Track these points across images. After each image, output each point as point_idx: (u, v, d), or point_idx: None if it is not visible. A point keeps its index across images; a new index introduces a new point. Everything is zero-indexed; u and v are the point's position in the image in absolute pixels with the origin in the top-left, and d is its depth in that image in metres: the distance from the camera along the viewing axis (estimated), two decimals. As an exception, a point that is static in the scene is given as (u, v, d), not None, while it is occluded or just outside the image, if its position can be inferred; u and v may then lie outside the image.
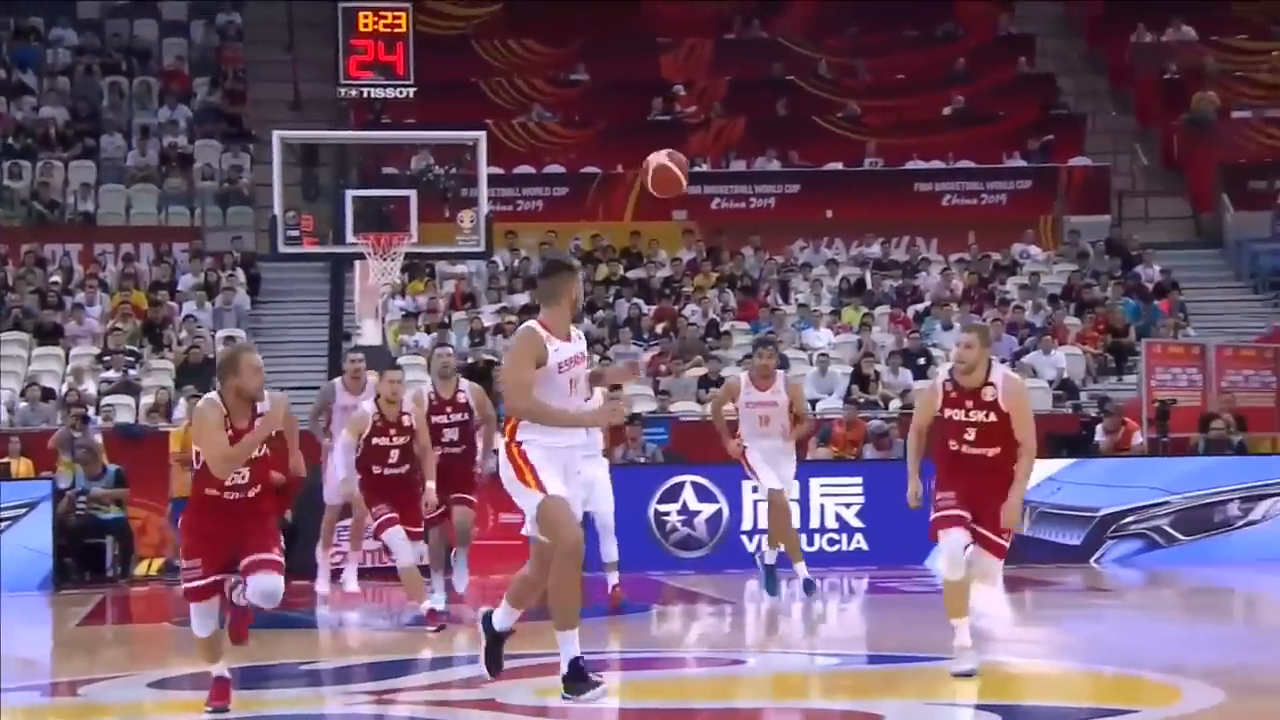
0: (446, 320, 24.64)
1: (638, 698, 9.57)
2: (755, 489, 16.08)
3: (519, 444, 8.30)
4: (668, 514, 18.10)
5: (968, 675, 9.19)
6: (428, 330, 24.02)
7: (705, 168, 29.67)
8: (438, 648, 12.16)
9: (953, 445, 9.32)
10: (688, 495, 18.34)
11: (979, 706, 9.13)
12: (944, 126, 31.46)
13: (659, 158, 8.67)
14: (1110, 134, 31.19)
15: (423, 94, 26.15)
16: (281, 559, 8.54)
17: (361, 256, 19.66)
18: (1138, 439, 20.15)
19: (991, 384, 9.19)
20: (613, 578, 13.87)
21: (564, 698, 8.10)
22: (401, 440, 12.70)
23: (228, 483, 8.35)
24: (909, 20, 33.57)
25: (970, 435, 9.22)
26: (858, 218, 28.90)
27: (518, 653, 11.81)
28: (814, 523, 18.35)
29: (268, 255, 24.54)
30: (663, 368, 23.62)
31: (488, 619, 8.78)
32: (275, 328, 26.26)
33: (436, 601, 12.78)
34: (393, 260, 19.73)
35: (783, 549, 14.23)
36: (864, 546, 18.06)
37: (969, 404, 9.20)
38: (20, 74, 30.99)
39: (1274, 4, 33.19)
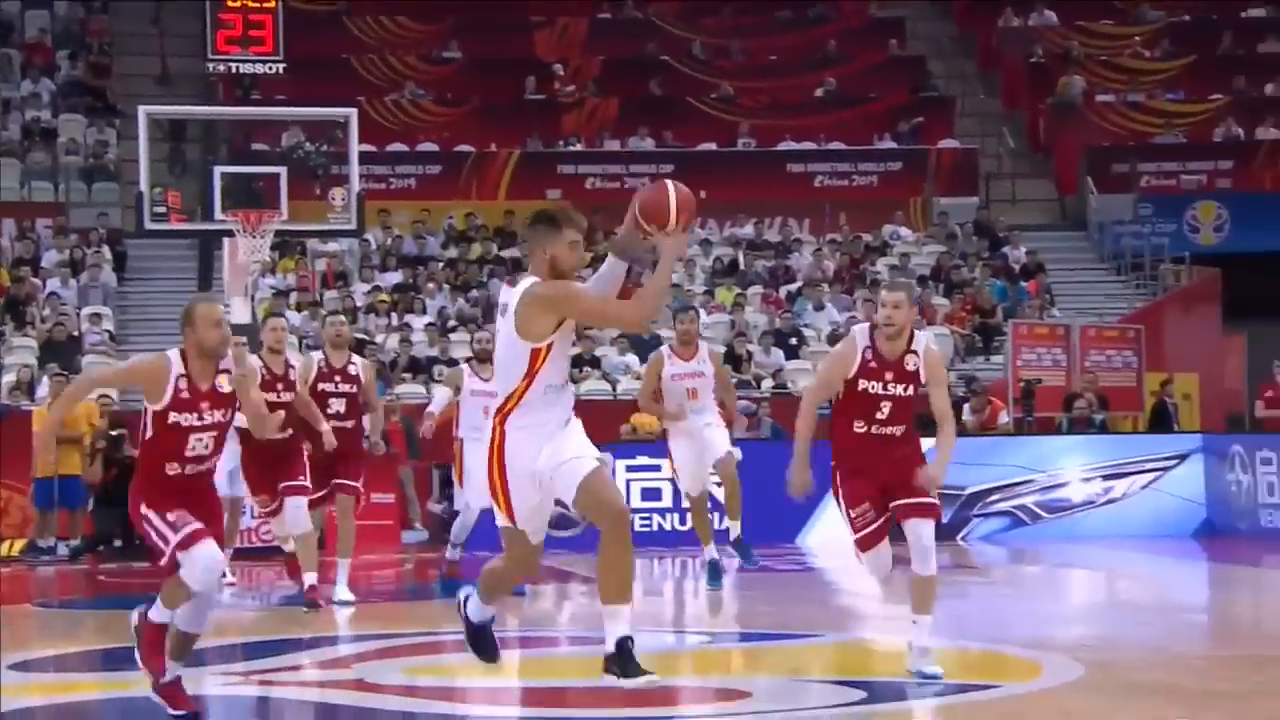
0: (318, 299, 24.49)
1: (509, 677, 9.58)
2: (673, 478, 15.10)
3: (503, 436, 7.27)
4: (541, 494, 18.04)
5: (934, 678, 8.29)
6: (298, 309, 23.81)
7: (579, 147, 29.88)
8: (308, 628, 12.04)
9: (859, 427, 8.42)
10: (562, 474, 18.28)
11: (845, 683, 9.25)
12: (816, 108, 31.65)
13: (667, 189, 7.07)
14: (978, 116, 31.62)
15: (293, 70, 25.87)
16: (222, 531, 7.98)
17: (230, 234, 19.54)
18: (1004, 418, 20.48)
19: (914, 352, 8.44)
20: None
21: (608, 674, 7.07)
22: (288, 396, 12.21)
23: (188, 451, 7.52)
24: (782, 2, 33.80)
25: (883, 412, 8.38)
26: (731, 198, 28.82)
27: (386, 633, 11.85)
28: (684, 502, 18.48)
29: (134, 232, 24.30)
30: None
31: (466, 613, 7.69)
32: (142, 305, 25.96)
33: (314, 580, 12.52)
34: (262, 238, 19.66)
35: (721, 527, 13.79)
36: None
37: (889, 375, 8.36)
38: (-122, 46, 30.34)
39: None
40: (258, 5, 24.12)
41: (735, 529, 13.25)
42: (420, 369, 22.71)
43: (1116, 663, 9.58)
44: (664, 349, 13.92)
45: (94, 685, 9.74)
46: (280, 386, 12.22)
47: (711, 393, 13.14)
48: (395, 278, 25.97)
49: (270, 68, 24.95)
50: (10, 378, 21.83)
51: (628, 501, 18.09)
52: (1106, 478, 19.23)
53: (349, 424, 13.12)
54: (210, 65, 25.33)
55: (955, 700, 8.09)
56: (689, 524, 14.62)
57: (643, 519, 18.14)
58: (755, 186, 29.52)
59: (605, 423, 17.95)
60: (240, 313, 19.49)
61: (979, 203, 29.87)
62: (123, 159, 27.28)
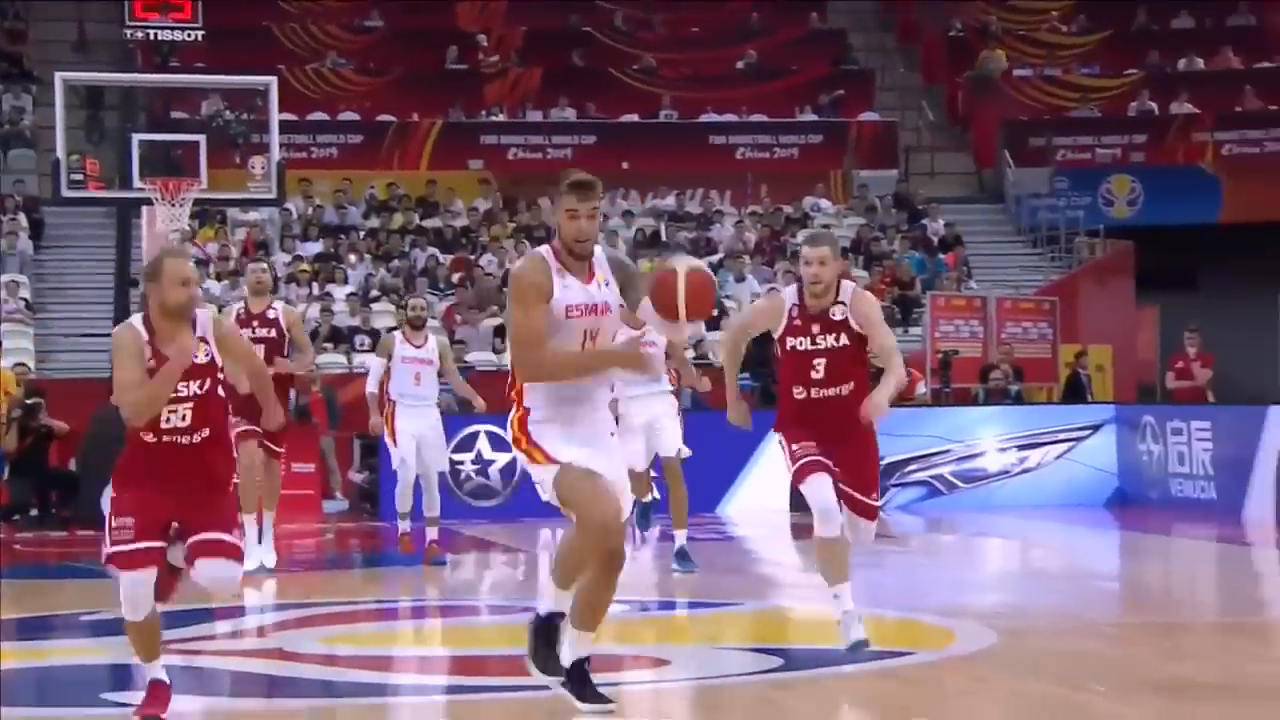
0: (238, 268, 24.22)
1: (429, 645, 9.60)
2: None
3: (528, 432, 6.68)
4: (462, 463, 18.06)
5: (863, 645, 7.98)
6: (218, 278, 23.67)
7: (502, 118, 29.86)
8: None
9: (799, 393, 8.04)
10: (482, 444, 18.34)
11: (762, 650, 9.38)
12: (737, 80, 31.73)
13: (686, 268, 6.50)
14: (898, 90, 31.85)
15: (212, 38, 25.79)
16: (241, 543, 7.20)
17: (149, 202, 19.37)
18: (921, 389, 20.65)
19: (841, 302, 7.97)
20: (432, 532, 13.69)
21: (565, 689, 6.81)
22: (267, 333, 12.49)
23: (164, 424, 6.79)
24: None
25: (819, 370, 7.95)
26: (653, 170, 29.13)
27: (305, 602, 11.82)
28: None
29: (51, 199, 24.00)
30: (458, 317, 23.61)
31: (536, 615, 6.87)
32: (59, 274, 25.71)
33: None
34: (181, 206, 19.41)
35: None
36: (655, 495, 18.38)
37: (815, 329, 7.94)
38: None
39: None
40: None
41: (681, 538, 12.68)
42: (342, 339, 22.69)
43: (1029, 630, 9.77)
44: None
45: (8, 655, 9.44)
46: (257, 324, 12.52)
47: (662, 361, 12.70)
48: (316, 248, 25.86)
49: (189, 35, 24.83)
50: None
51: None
52: (1021, 448, 19.46)
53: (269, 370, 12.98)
54: (128, 32, 25.29)
55: (869, 667, 8.16)
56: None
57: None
58: (677, 158, 29.61)
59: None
60: None
61: (898, 175, 30.04)
62: (39, 126, 26.91)
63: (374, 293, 24.42)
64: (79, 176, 20.59)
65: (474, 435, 18.30)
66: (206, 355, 6.85)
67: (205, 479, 6.89)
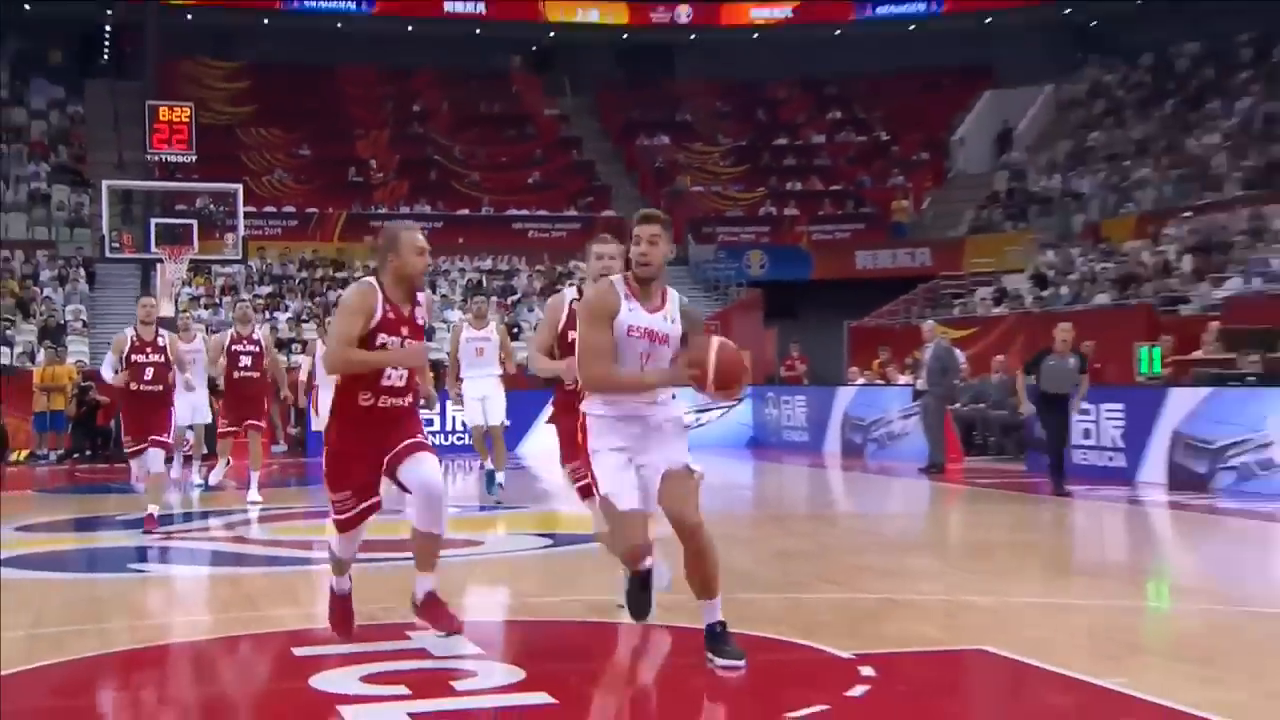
0: (218, 302, 24.00)
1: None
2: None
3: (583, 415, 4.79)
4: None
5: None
6: (205, 307, 23.51)
7: (384, 210, 29.35)
8: (210, 504, 11.42)
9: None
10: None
11: (540, 534, 9.28)
12: (529, 190, 31.70)
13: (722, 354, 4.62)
14: (626, 198, 31.53)
15: (202, 159, 25.65)
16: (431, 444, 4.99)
17: (161, 260, 19.26)
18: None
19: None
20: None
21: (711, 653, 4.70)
22: (156, 359, 9.40)
23: (384, 381, 4.79)
24: (509, 125, 33.92)
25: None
26: (478, 244, 28.86)
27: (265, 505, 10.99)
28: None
29: (100, 259, 23.66)
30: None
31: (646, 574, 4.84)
32: (105, 305, 25.05)
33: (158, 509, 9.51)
34: (181, 264, 19.44)
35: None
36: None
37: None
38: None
39: (722, 122, 34.55)
40: (180, 121, 23.99)
41: (499, 475, 11.03)
42: (283, 346, 22.55)
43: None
44: (462, 321, 12.60)
45: (69, 540, 9.59)
46: (149, 350, 9.43)
47: (497, 353, 11.21)
48: (267, 289, 25.62)
49: (188, 158, 24.66)
50: (19, 349, 21.27)
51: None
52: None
53: (255, 374, 11.68)
54: (149, 155, 25.08)
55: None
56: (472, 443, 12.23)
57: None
58: (493, 237, 29.33)
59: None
60: (167, 309, 18.71)
61: (626, 250, 29.77)
62: (93, 214, 26.51)
63: (304, 317, 23.86)
64: (117, 245, 20.69)
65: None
66: (421, 319, 4.96)
67: (407, 425, 4.89)
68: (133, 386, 9.33)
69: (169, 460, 10.87)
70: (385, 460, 4.81)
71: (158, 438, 9.28)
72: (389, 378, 4.80)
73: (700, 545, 4.62)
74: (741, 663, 4.61)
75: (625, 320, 4.68)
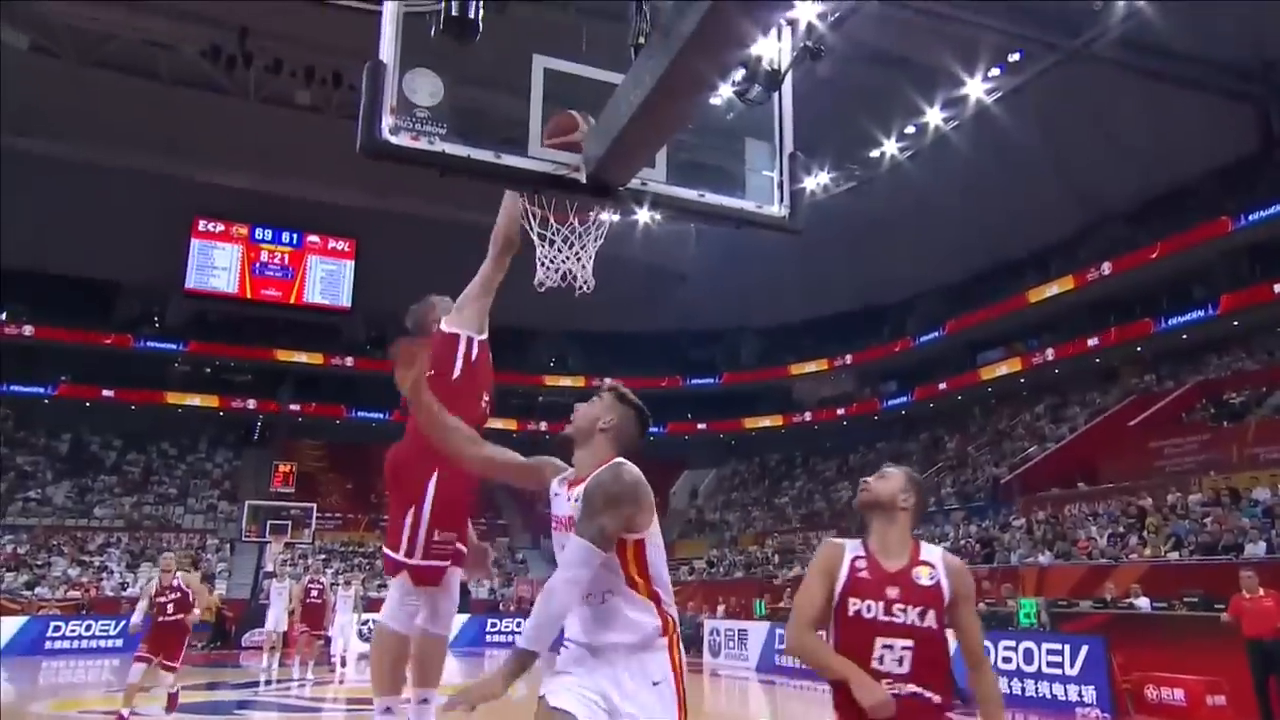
0: (296, 564, 24.00)
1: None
2: None
3: None
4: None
5: None
6: (290, 565, 23.01)
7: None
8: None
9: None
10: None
11: None
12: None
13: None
14: None
15: (298, 489, 26.94)
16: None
17: (269, 542, 22.02)
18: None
19: (927, 563, 3.84)
20: None
21: None
22: (174, 596, 10.17)
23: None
24: None
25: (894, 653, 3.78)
26: None
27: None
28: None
29: (239, 539, 25.52)
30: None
31: None
32: (239, 568, 26.89)
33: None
34: (279, 544, 22.09)
35: None
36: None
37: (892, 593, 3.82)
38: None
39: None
40: (288, 469, 27.06)
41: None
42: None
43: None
44: None
45: (210, 696, 10.67)
46: (169, 592, 10.16)
47: None
48: (323, 558, 25.21)
49: (289, 489, 26.48)
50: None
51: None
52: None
53: (175, 617, 10.34)
54: (271, 489, 26.32)
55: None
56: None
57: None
58: None
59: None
60: (269, 567, 21.77)
61: None
62: (236, 515, 27.74)
63: (340, 571, 24.87)
64: (249, 534, 22.99)
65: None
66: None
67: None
68: (159, 619, 10.30)
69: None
70: None
71: (168, 662, 10.16)
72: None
73: None
74: None
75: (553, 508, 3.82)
